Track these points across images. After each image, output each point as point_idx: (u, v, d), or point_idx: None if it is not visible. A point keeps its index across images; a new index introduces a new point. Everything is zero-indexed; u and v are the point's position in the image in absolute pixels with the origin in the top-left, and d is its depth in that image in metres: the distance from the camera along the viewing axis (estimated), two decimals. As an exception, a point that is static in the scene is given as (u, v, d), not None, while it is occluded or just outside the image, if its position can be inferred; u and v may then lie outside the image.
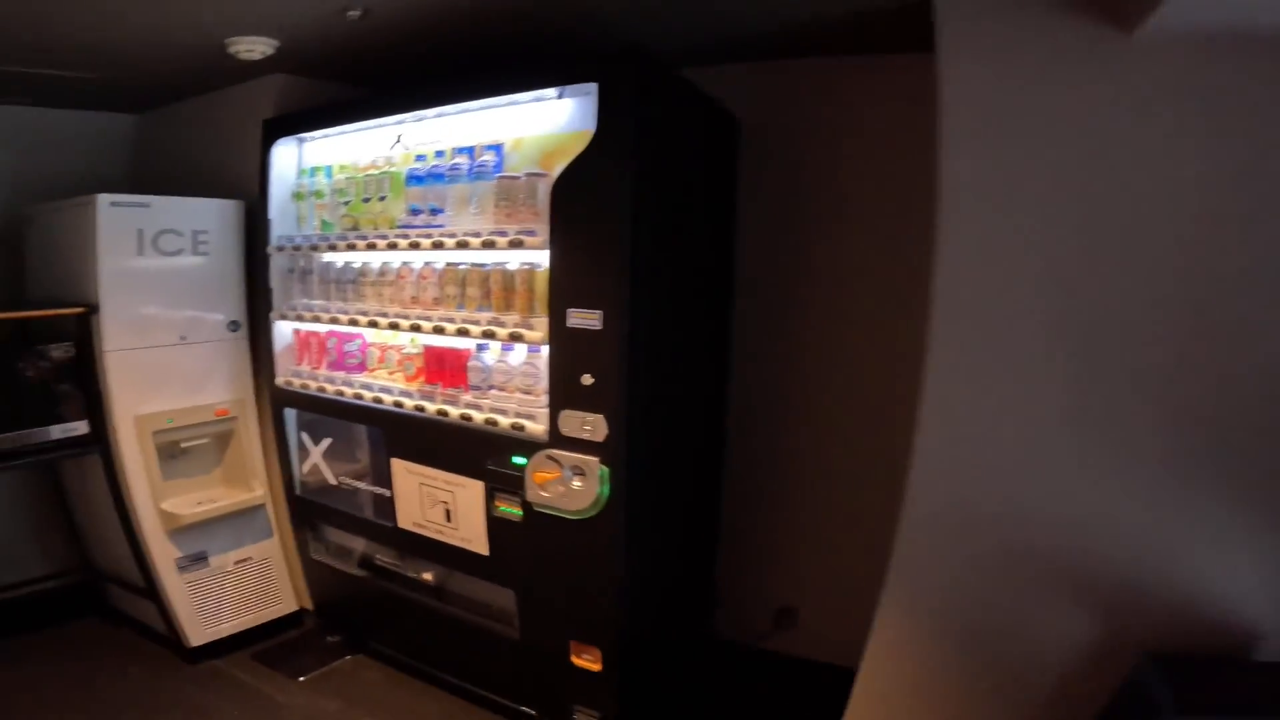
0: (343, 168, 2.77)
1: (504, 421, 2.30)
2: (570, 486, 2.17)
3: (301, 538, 3.09)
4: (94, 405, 2.62)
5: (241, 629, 3.06)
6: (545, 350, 2.19)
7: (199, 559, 2.94)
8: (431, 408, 2.46)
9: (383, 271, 2.56)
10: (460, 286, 2.36)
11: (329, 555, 3.05)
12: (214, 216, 2.83)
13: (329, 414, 2.78)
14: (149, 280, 2.67)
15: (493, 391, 2.38)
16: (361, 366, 2.73)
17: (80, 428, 2.59)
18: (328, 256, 2.80)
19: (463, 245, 2.28)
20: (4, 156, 3.10)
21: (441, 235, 2.34)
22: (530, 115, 2.34)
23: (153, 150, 3.50)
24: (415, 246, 2.40)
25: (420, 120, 2.58)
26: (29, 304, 2.75)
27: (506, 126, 2.39)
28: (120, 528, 2.79)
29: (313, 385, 2.78)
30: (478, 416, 2.35)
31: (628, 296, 2.01)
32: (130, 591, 3.03)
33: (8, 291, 3.00)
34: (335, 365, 2.77)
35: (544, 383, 2.24)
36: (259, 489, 3.03)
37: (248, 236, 2.94)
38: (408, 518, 2.66)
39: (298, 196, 2.83)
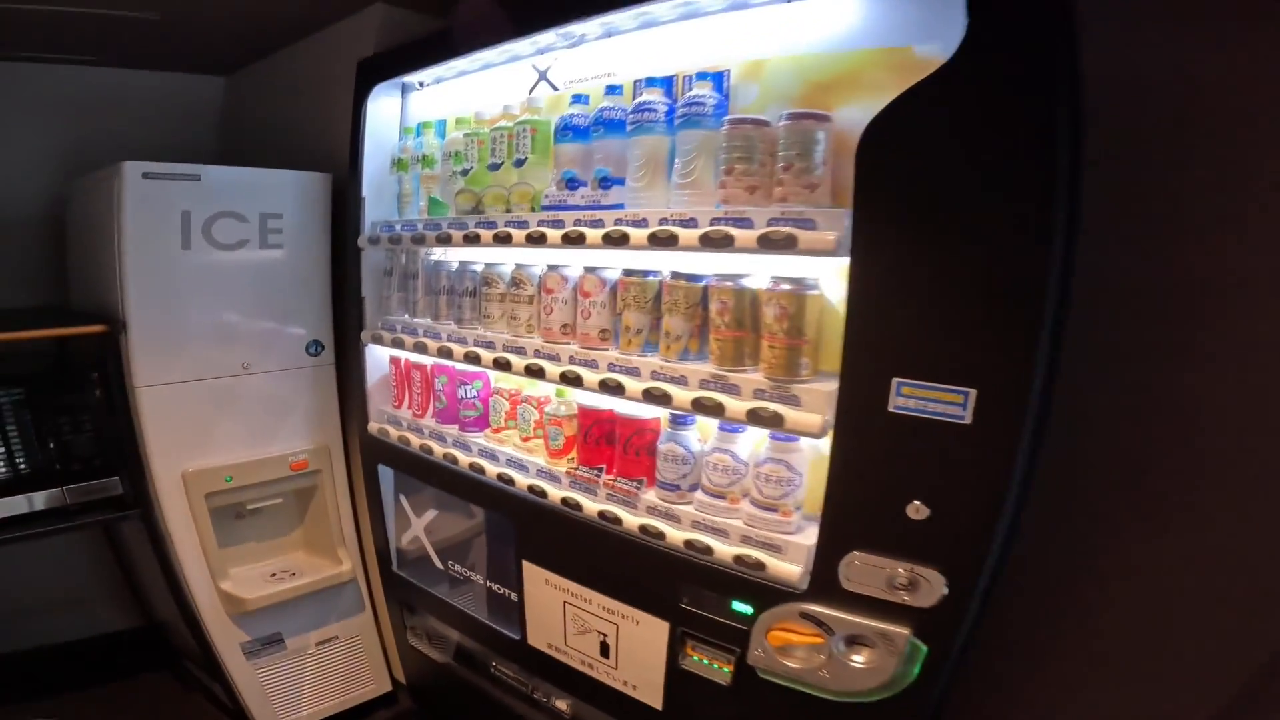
0: (460, 122, 1.82)
1: (721, 548, 1.31)
2: (843, 660, 1.15)
3: (398, 620, 2.27)
4: (127, 458, 1.85)
5: (324, 716, 2.32)
6: (822, 444, 1.16)
7: (272, 643, 2.18)
8: (590, 505, 1.49)
9: (517, 281, 1.59)
10: (650, 313, 1.35)
11: (430, 646, 2.21)
12: (291, 195, 1.98)
13: (436, 484, 1.89)
14: (199, 284, 1.86)
15: (699, 496, 1.37)
16: (482, 422, 1.80)
17: (112, 487, 1.83)
18: (437, 253, 1.88)
19: (661, 240, 1.26)
20: (64, 124, 2.39)
21: (620, 222, 1.33)
22: (776, 20, 1.29)
23: (241, 118, 2.74)
24: (573, 241, 1.41)
25: (578, 44, 1.59)
26: (54, 318, 2.01)
27: (730, 41, 1.35)
28: (174, 603, 2.06)
29: (414, 441, 1.89)
30: (672, 534, 1.37)
31: (1033, 368, 0.92)
32: (195, 665, 2.36)
33: (55, 297, 2.33)
34: (445, 416, 1.86)
35: (801, 494, 1.22)
36: (346, 562, 2.21)
37: (336, 224, 2.08)
38: (541, 636, 1.75)
39: (399, 165, 1.92)
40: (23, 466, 1.72)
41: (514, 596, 1.80)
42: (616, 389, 1.35)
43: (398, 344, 1.87)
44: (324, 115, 2.24)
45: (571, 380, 1.43)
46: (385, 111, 2.02)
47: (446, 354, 1.72)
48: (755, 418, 1.18)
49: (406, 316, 1.92)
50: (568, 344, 1.50)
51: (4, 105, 2.30)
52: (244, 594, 2.02)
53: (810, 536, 1.23)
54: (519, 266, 1.60)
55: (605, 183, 1.39)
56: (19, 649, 2.51)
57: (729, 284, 1.22)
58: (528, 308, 1.57)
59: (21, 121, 2.34)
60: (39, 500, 1.74)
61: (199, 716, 2.38)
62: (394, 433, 1.96)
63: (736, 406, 1.20)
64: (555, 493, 1.57)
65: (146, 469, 1.86)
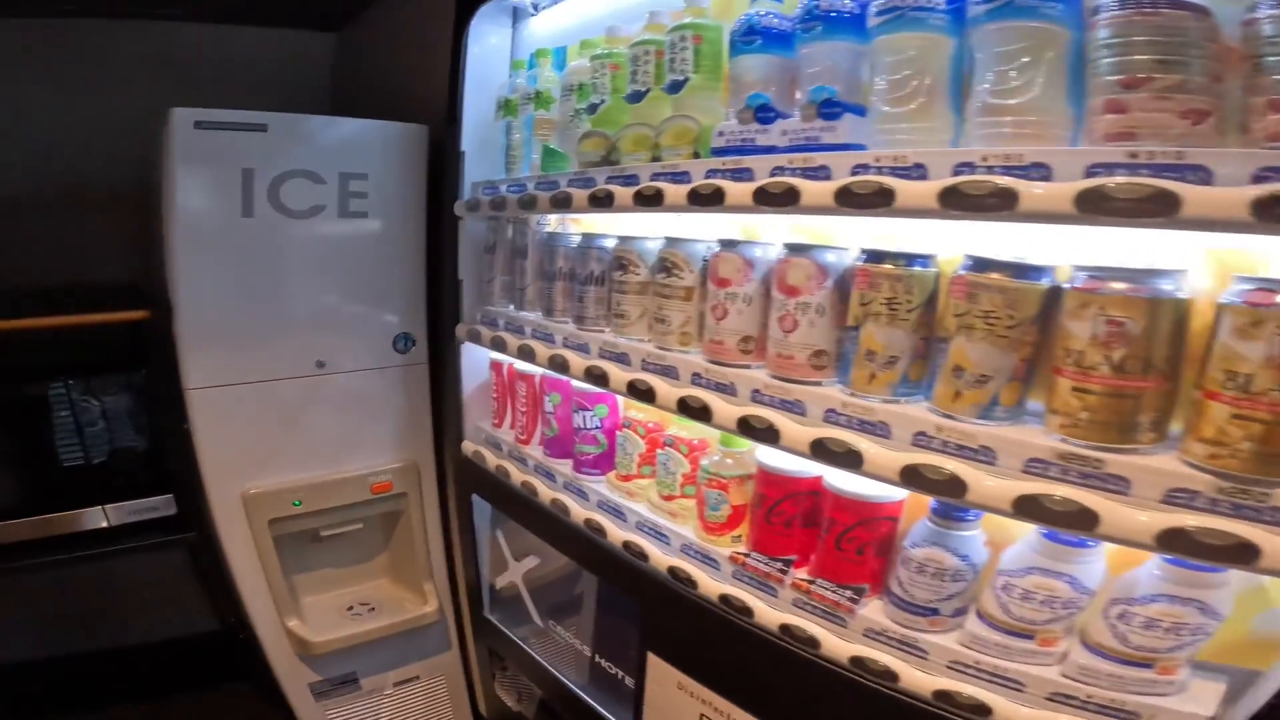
0: (587, 45, 1.30)
1: (1012, 711, 0.71)
2: None
3: (488, 665, 1.86)
4: (179, 474, 1.51)
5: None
6: None
7: (346, 683, 1.83)
8: (767, 613, 0.95)
9: (669, 263, 1.04)
10: (915, 329, 0.76)
11: (519, 703, 1.79)
12: (379, 150, 1.55)
13: (539, 535, 1.42)
14: (263, 261, 1.47)
15: (975, 627, 0.78)
16: (605, 463, 1.29)
17: (163, 506, 1.49)
18: (552, 222, 1.38)
19: (974, 200, 0.66)
20: (163, 86, 2.07)
21: (867, 168, 0.75)
22: None
23: (351, 77, 2.37)
24: (774, 199, 0.83)
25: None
26: (108, 300, 1.69)
27: None
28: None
29: (515, 474, 1.42)
30: (915, 677, 0.79)
31: None
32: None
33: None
34: (556, 446, 1.37)
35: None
36: (432, 602, 1.80)
37: (433, 187, 1.63)
38: (667, 743, 1.24)
39: (506, 108, 1.43)
40: (60, 477, 1.40)
41: (629, 682, 1.32)
42: (844, 459, 0.78)
43: (499, 344, 1.40)
44: (423, 59, 1.80)
45: (759, 431, 0.87)
46: (491, 44, 1.54)
47: (560, 366, 1.22)
48: (1190, 545, 0.57)
49: (511, 308, 1.44)
50: (747, 367, 0.94)
51: (101, 67, 2.02)
52: (312, 636, 1.66)
53: (1202, 699, 0.62)
54: (670, 242, 1.05)
55: (830, 109, 0.81)
56: (108, 647, 2.35)
57: (1125, 287, 0.61)
58: (684, 306, 1.02)
59: (119, 85, 2.03)
60: (78, 520, 1.42)
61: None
62: (492, 459, 1.50)
63: (1138, 524, 0.59)
64: (710, 584, 1.04)
65: (202, 489, 1.51)
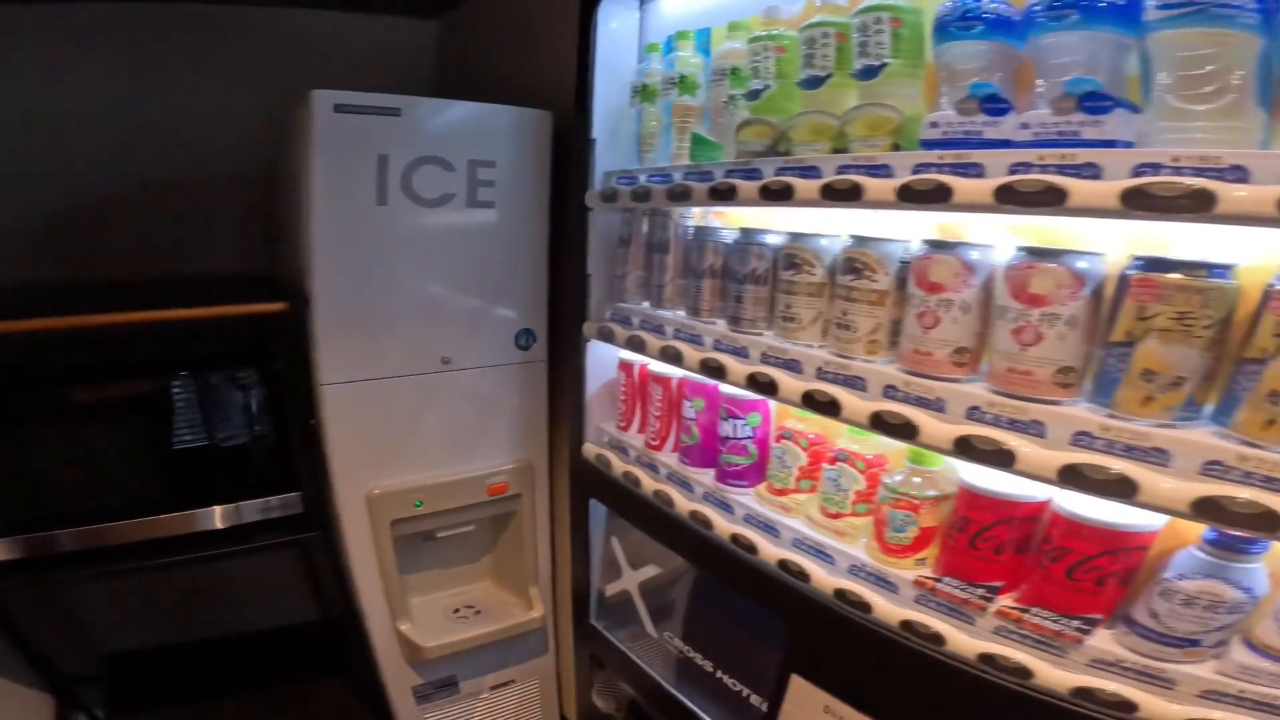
0: (736, 27, 1.22)
1: None
2: None
3: (585, 673, 1.82)
4: (308, 472, 1.49)
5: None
6: None
7: (446, 686, 1.81)
8: (962, 641, 0.86)
9: (858, 264, 0.95)
10: (1208, 348, 0.66)
11: (616, 710, 1.75)
12: (506, 137, 1.50)
13: (670, 547, 1.36)
14: (396, 251, 1.44)
15: (1244, 657, 0.68)
16: (754, 474, 1.21)
17: (292, 504, 1.49)
18: (697, 213, 1.32)
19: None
20: (271, 75, 2.07)
21: (1158, 168, 0.65)
22: None
23: (454, 65, 2.33)
24: (1019, 198, 0.74)
25: None
26: (242, 291, 1.69)
27: None
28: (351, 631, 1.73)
29: (646, 482, 1.36)
30: (1166, 712, 0.69)
31: None
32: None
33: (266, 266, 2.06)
34: (695, 455, 1.30)
35: None
36: (538, 607, 1.77)
37: (556, 176, 1.58)
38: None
39: (643, 94, 1.36)
40: (195, 473, 1.40)
41: (755, 700, 1.25)
42: (1112, 487, 0.69)
43: (634, 344, 1.34)
44: (540, 44, 1.76)
45: (984, 453, 0.79)
46: (618, 28, 1.47)
47: (714, 371, 1.15)
48: None
49: (646, 305, 1.38)
50: (958, 381, 0.85)
51: (209, 56, 2.00)
52: (423, 640, 1.64)
53: None
54: (860, 241, 0.97)
55: (1096, 103, 0.71)
56: (212, 636, 2.38)
57: None
58: (874, 311, 0.94)
59: (227, 74, 2.03)
60: (211, 517, 1.42)
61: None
62: (617, 464, 1.44)
63: None
64: (888, 608, 0.95)
65: (329, 486, 1.50)
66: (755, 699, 1.29)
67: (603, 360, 1.51)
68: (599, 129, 1.44)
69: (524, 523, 1.70)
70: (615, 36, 1.47)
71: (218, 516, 1.43)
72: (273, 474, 1.47)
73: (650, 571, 1.52)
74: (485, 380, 1.56)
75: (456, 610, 1.79)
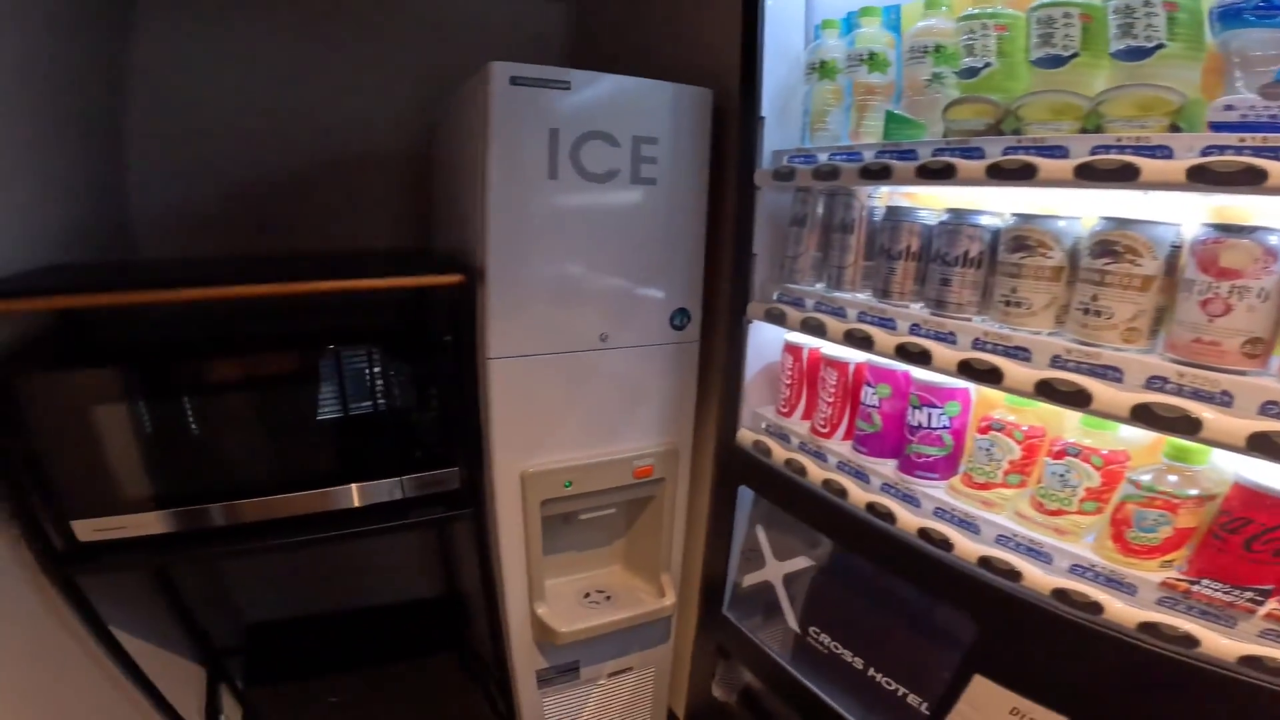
0: (935, 5, 1.17)
1: None
2: None
3: (707, 664, 1.80)
4: (469, 448, 1.51)
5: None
6: None
7: (568, 671, 1.82)
8: (1224, 645, 0.81)
9: (1121, 250, 0.88)
10: None
11: (739, 706, 1.73)
12: (668, 114, 1.48)
13: (837, 540, 1.32)
14: (564, 226, 1.43)
15: None
16: (947, 466, 1.17)
17: (449, 479, 1.50)
18: (884, 195, 1.27)
19: None
20: (415, 53, 2.06)
21: None
22: None
23: (590, 42, 2.28)
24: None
25: None
26: (410, 265, 1.71)
27: None
28: (484, 613, 1.75)
29: (813, 471, 1.32)
30: None
31: None
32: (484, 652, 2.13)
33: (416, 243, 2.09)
34: (875, 444, 1.25)
35: None
36: (670, 595, 1.75)
37: (715, 156, 1.55)
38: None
39: (822, 71, 1.31)
40: (352, 448, 1.42)
41: (922, 706, 1.20)
42: None
43: (810, 327, 1.30)
44: (688, 21, 1.72)
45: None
46: (784, 5, 1.43)
47: (914, 357, 1.10)
48: None
49: (821, 287, 1.34)
50: (1244, 374, 0.79)
51: (360, 36, 2.02)
52: (558, 625, 1.64)
53: None
54: (1120, 224, 0.90)
55: None
56: (337, 609, 2.46)
57: None
58: (1137, 298, 0.88)
59: (376, 55, 2.03)
60: (377, 491, 1.44)
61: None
62: (778, 451, 1.41)
63: None
64: (1124, 609, 0.90)
65: (487, 463, 1.51)
66: (914, 699, 1.25)
67: (761, 344, 1.48)
68: (770, 107, 1.41)
69: (663, 508, 1.68)
70: (781, 14, 1.43)
71: (376, 492, 1.45)
72: (429, 450, 1.48)
73: (800, 564, 1.49)
74: (639, 360, 1.54)
75: (587, 595, 1.79)
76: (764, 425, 1.47)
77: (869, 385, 1.25)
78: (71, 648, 1.31)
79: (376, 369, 1.41)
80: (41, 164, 1.43)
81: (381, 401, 1.42)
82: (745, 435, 1.48)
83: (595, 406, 1.54)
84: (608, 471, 1.58)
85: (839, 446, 1.32)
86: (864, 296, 1.26)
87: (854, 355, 1.29)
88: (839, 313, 1.26)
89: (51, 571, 1.25)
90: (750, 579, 1.62)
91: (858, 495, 1.24)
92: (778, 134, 1.42)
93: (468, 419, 1.48)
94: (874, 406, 1.24)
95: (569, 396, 1.51)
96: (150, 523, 1.31)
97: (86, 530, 1.26)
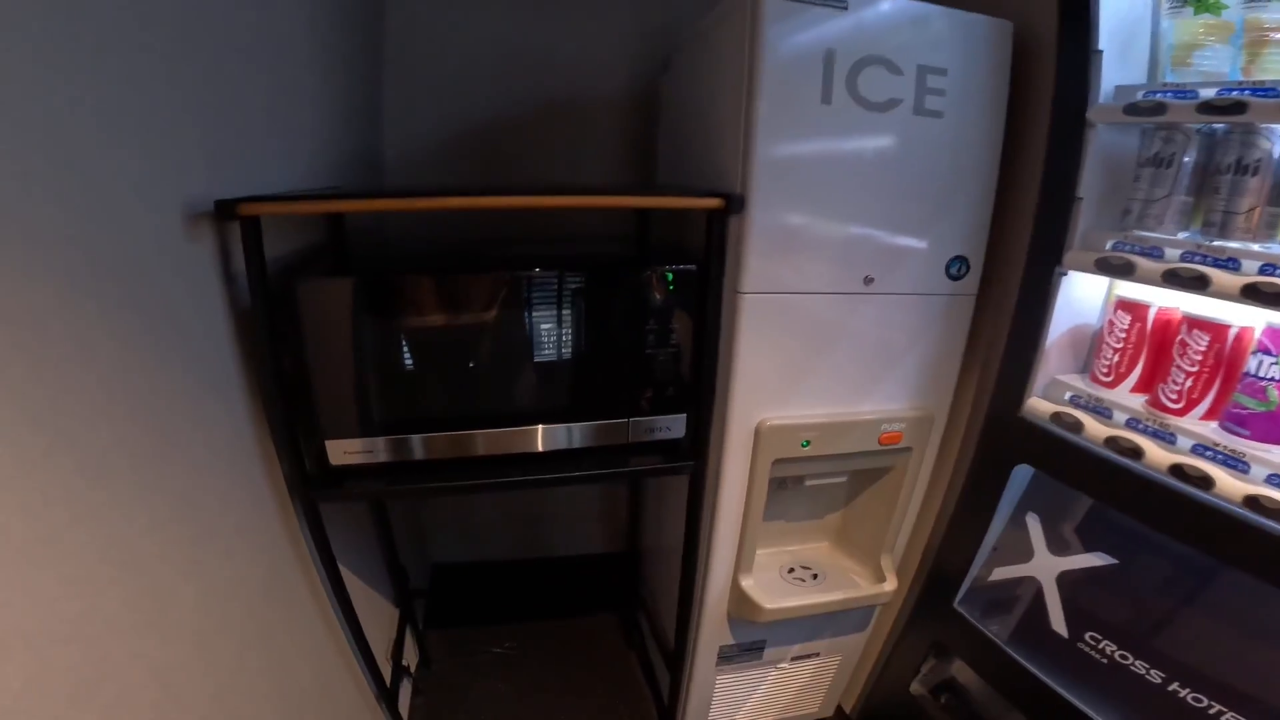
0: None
1: None
2: None
3: (911, 658, 1.59)
4: (703, 392, 1.32)
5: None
6: None
7: (752, 650, 1.65)
8: None
9: None
10: None
11: (939, 708, 1.52)
12: (959, 44, 1.23)
13: (1180, 532, 1.06)
14: (834, 155, 1.21)
15: None
16: None
17: (674, 427, 1.32)
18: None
19: None
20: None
21: None
22: None
23: None
24: None
25: None
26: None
27: None
28: (676, 583, 1.58)
29: (1154, 455, 1.06)
30: None
31: None
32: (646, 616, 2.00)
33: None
34: (1261, 425, 0.99)
35: None
36: (890, 579, 1.53)
37: (1015, 92, 1.28)
38: None
39: (1199, 6, 1.04)
40: (589, 385, 1.26)
41: None
42: None
43: (1178, 279, 1.03)
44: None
45: None
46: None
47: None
48: None
49: (1186, 235, 1.07)
50: None
51: None
52: (763, 600, 1.45)
53: None
54: None
55: None
56: (509, 558, 2.40)
57: None
58: None
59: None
60: (599, 434, 1.28)
61: (624, 685, 2.01)
62: (1094, 427, 1.15)
63: None
64: None
65: (723, 410, 1.32)
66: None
67: (1081, 301, 1.23)
68: (1108, 39, 1.14)
69: (902, 481, 1.46)
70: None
71: (598, 434, 1.29)
72: (659, 392, 1.30)
73: (1086, 561, 1.24)
74: (905, 309, 1.31)
75: (791, 570, 1.60)
76: (1068, 396, 1.22)
77: (1266, 354, 0.98)
78: (298, 581, 1.21)
79: (611, 301, 1.23)
80: (326, 97, 1.42)
81: (613, 336, 1.25)
82: (1038, 406, 1.24)
83: (847, 358, 1.32)
84: (851, 434, 1.36)
85: (1196, 426, 1.06)
86: (1259, 247, 0.98)
87: (1237, 317, 1.02)
88: (1228, 264, 0.99)
89: (301, 495, 1.14)
90: (1003, 573, 1.39)
91: (1229, 486, 0.98)
92: (1117, 70, 1.15)
93: (705, 360, 1.28)
94: (1271, 380, 0.97)
95: (820, 344, 1.30)
96: (393, 448, 1.20)
97: (338, 452, 1.15)
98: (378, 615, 1.65)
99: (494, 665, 2.09)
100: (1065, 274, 1.19)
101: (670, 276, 1.24)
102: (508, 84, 1.85)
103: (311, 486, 1.15)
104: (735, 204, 1.19)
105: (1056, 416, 1.21)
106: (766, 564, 1.59)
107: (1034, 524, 1.31)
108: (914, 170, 1.25)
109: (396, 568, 1.89)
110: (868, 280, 1.27)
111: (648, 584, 2.16)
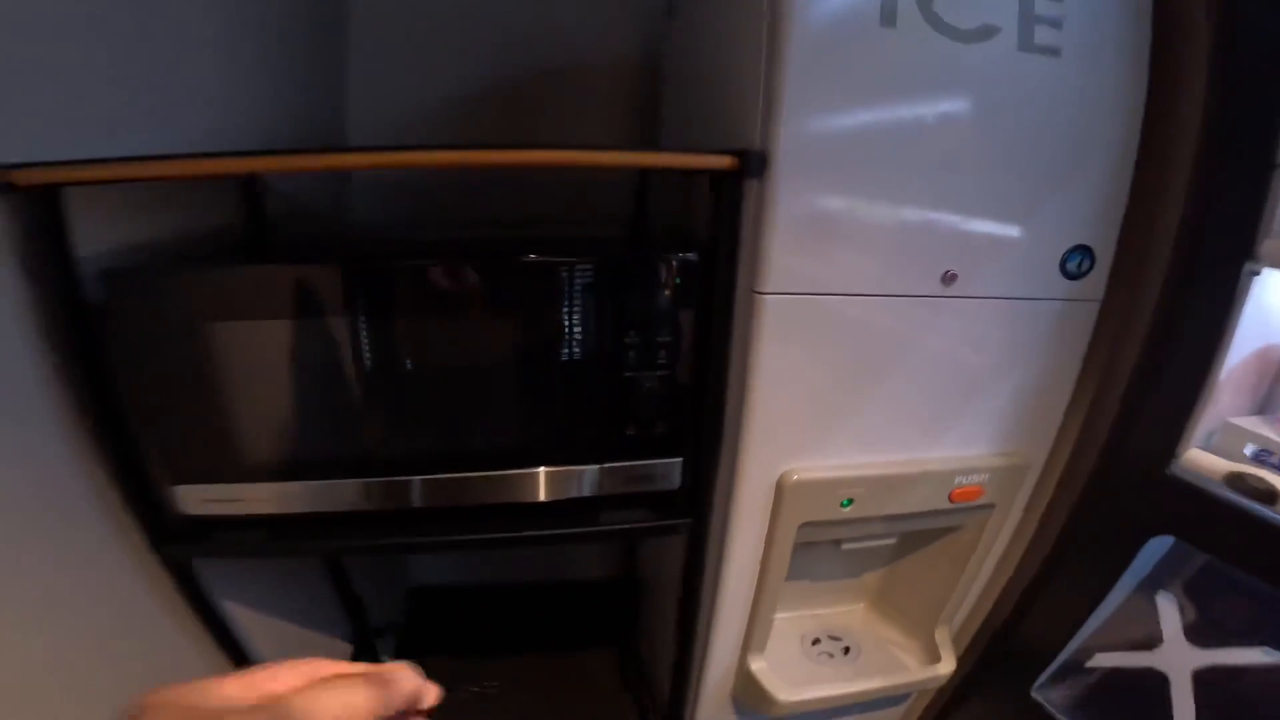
0: None
1: None
2: None
3: None
4: (698, 428, 0.94)
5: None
6: None
7: None
8: None
9: None
10: None
11: None
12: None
13: None
14: (900, 99, 0.80)
15: None
16: None
17: (668, 474, 0.95)
18: None
19: None
20: None
21: None
22: None
23: None
24: None
25: None
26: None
27: None
28: (671, 652, 1.23)
29: None
30: None
31: None
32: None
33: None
34: None
35: None
36: (947, 660, 1.16)
37: (1159, 29, 0.85)
38: None
39: None
40: (541, 419, 0.89)
41: None
42: None
43: None
44: None
45: None
46: None
47: None
48: None
49: None
50: None
51: None
52: (778, 690, 1.09)
53: None
54: None
55: None
56: (494, 581, 2.09)
57: None
58: None
59: None
60: (556, 482, 0.91)
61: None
62: (1291, 504, 0.76)
63: None
64: None
65: (731, 457, 0.94)
66: None
67: (1252, 310, 0.82)
68: None
69: (975, 543, 1.08)
70: None
71: (558, 483, 0.93)
72: (645, 427, 0.92)
73: (1249, 658, 0.86)
74: (1000, 319, 0.91)
75: (816, 641, 1.23)
76: (1252, 451, 0.82)
77: None
78: (185, 647, 0.91)
79: (576, 303, 0.85)
80: (247, 59, 1.10)
81: (580, 352, 0.87)
82: (1201, 461, 0.84)
83: (912, 386, 0.93)
84: (913, 489, 0.98)
85: None
86: None
87: None
88: None
89: (159, 551, 0.85)
90: (1109, 659, 1.02)
91: None
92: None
93: (709, 387, 0.91)
94: None
95: (873, 366, 0.91)
96: (274, 496, 0.86)
97: (194, 500, 0.83)
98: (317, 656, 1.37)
99: (473, 706, 1.78)
100: (1258, 272, 0.78)
101: (661, 269, 0.86)
102: (492, 52, 1.47)
103: (167, 541, 0.83)
104: (753, 164, 0.79)
105: (1235, 479, 0.81)
106: (785, 632, 1.23)
107: (1167, 606, 0.94)
108: (1017, 124, 0.83)
109: (351, 597, 1.59)
110: (948, 278, 0.87)
111: (646, 619, 1.83)
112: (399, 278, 0.81)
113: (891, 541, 1.12)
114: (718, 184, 0.82)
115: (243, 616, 1.04)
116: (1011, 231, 0.87)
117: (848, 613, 1.28)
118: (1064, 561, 1.05)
